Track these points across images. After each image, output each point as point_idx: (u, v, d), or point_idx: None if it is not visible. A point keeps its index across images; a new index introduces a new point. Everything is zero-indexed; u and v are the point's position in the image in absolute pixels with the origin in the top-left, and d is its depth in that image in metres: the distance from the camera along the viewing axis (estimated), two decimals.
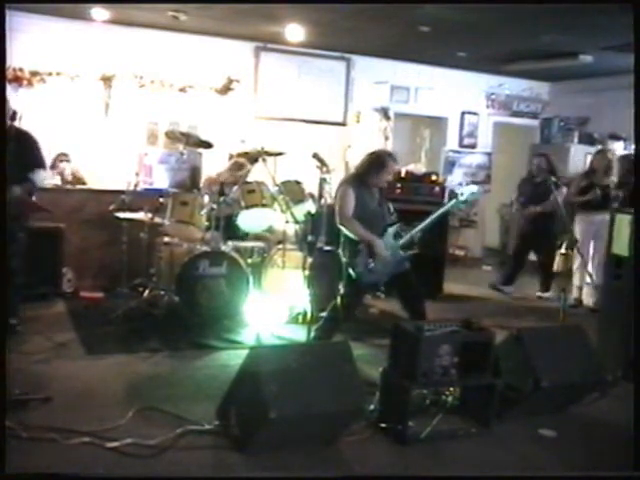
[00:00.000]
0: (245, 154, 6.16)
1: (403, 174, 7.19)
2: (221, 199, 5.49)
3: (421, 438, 3.39)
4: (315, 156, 5.37)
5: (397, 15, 6.43)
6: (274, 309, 5.41)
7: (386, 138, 9.00)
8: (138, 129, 7.72)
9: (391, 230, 4.50)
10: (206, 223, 5.38)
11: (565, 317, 5.33)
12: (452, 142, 9.75)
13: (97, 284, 6.15)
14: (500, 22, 6.43)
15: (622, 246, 4.71)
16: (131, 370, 4.27)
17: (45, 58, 7.24)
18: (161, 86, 7.76)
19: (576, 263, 6.86)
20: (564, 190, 6.73)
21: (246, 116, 8.15)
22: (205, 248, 5.32)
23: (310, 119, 8.58)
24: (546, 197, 6.75)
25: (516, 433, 3.62)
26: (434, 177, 7.31)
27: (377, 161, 4.54)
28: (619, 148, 8.41)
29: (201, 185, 6.60)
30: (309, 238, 5.36)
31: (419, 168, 7.60)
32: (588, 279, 6.61)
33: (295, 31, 7.22)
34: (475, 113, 9.78)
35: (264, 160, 5.56)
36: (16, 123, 4.84)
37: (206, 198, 5.51)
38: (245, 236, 5.85)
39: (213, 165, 6.87)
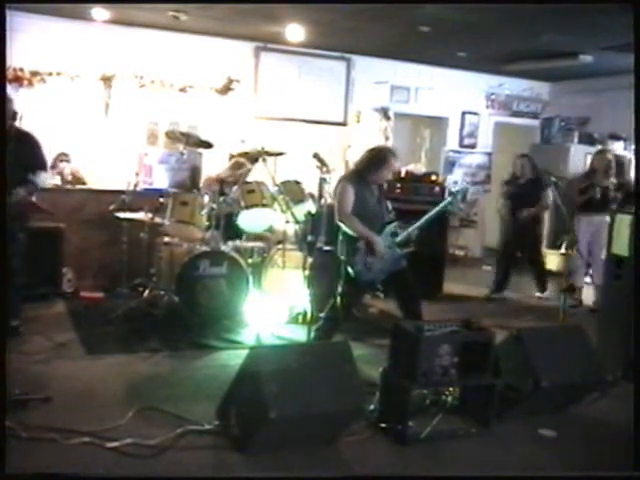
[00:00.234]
0: (245, 154, 6.16)
1: (403, 174, 7.19)
2: (221, 199, 5.49)
3: (421, 438, 3.39)
4: (315, 156, 5.36)
5: (397, 15, 6.43)
6: (274, 309, 5.42)
7: (386, 138, 9.00)
8: (138, 129, 7.72)
9: (389, 228, 4.50)
10: (206, 223, 5.38)
11: (565, 317, 5.33)
12: (452, 142, 9.75)
13: (97, 284, 6.16)
14: (500, 22, 6.43)
15: (622, 246, 4.71)
16: (131, 370, 4.27)
17: (45, 58, 7.24)
18: (161, 86, 7.76)
19: (575, 263, 6.88)
20: (550, 192, 6.63)
21: (246, 116, 8.15)
22: (205, 248, 5.32)
23: (310, 119, 8.58)
24: (533, 198, 6.75)
25: (516, 433, 3.62)
26: (434, 177, 7.31)
27: (377, 157, 4.53)
28: (619, 148, 8.41)
29: (201, 185, 6.60)
30: (309, 238, 5.36)
31: (419, 168, 7.60)
32: (588, 279, 6.61)
33: (295, 31, 7.22)
34: (475, 113, 9.78)
35: (264, 160, 5.57)
36: (16, 123, 4.84)
37: (206, 198, 5.50)
38: (242, 234, 5.84)
39: (213, 165, 6.87)
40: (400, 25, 6.85)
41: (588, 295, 6.80)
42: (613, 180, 6.73)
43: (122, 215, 5.80)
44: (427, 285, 6.21)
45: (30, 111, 6.23)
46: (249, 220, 5.55)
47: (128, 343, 4.78)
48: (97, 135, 7.44)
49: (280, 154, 6.20)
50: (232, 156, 6.49)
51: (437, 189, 7.14)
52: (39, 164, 4.67)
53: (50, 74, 7.26)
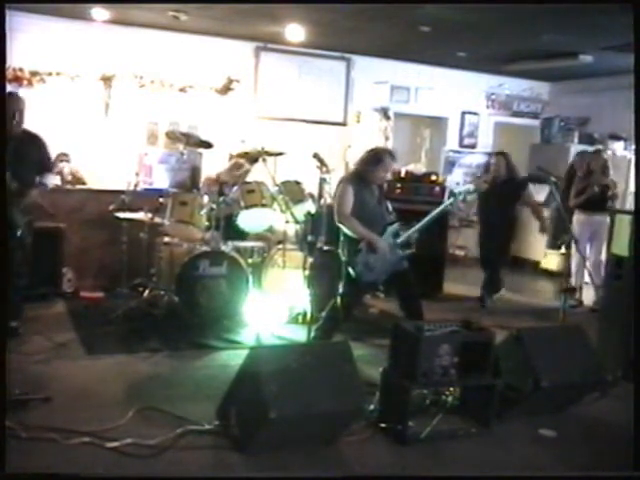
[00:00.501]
0: (245, 154, 6.16)
1: (403, 174, 7.19)
2: (221, 199, 5.49)
3: (421, 438, 3.39)
4: (315, 156, 5.37)
5: (397, 15, 6.43)
6: (274, 309, 5.41)
7: (386, 138, 9.01)
8: (138, 129, 7.72)
9: (391, 229, 4.51)
10: (206, 223, 5.38)
11: (565, 317, 5.33)
12: (452, 142, 9.75)
13: (97, 284, 6.15)
14: (500, 22, 6.43)
15: (622, 246, 4.71)
16: (131, 370, 4.26)
17: (45, 58, 7.24)
18: (161, 86, 7.76)
19: (575, 263, 6.89)
20: (530, 191, 6.56)
21: (246, 116, 8.15)
22: (205, 248, 5.32)
23: (310, 119, 8.58)
24: (510, 198, 6.37)
25: (516, 433, 3.62)
26: (434, 177, 7.31)
27: (374, 157, 4.53)
28: (619, 148, 8.42)
29: (200, 185, 6.60)
30: (309, 238, 5.36)
31: (419, 168, 7.60)
32: (587, 279, 6.61)
33: (295, 31, 7.22)
34: (475, 113, 9.78)
35: (264, 160, 5.57)
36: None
37: (206, 198, 5.50)
38: (245, 236, 5.85)
39: (213, 165, 6.87)
40: (400, 25, 6.85)
41: (588, 295, 6.80)
42: (612, 179, 6.74)
43: (122, 215, 5.79)
44: (427, 285, 6.21)
45: (30, 111, 6.20)
46: (249, 220, 5.55)
47: (128, 343, 4.78)
48: (97, 135, 7.44)
49: (280, 154, 6.20)
50: (232, 156, 6.49)
51: (437, 189, 7.14)
52: (48, 166, 4.69)
53: (50, 74, 7.27)
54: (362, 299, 5.51)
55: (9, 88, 6.61)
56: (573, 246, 6.23)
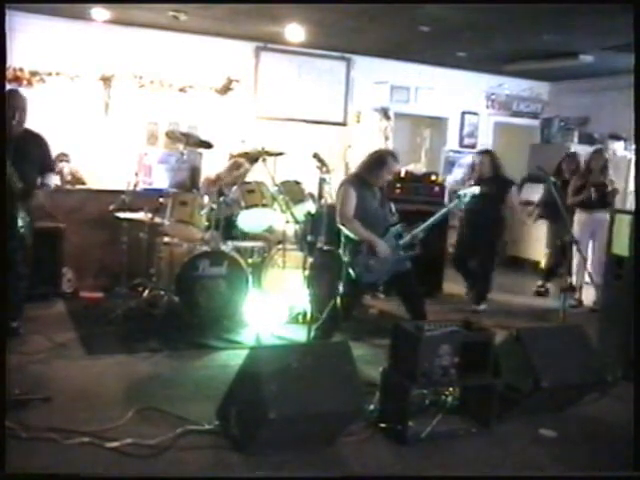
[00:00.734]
0: (245, 154, 6.16)
1: (403, 174, 7.18)
2: (221, 199, 5.49)
3: (421, 438, 3.39)
4: (315, 156, 5.37)
5: (397, 15, 6.44)
6: (274, 309, 5.41)
7: (386, 138, 9.01)
8: (138, 129, 7.73)
9: (393, 230, 4.51)
10: (206, 223, 5.38)
11: (565, 317, 5.33)
12: (452, 142, 9.76)
13: (97, 284, 6.15)
14: (500, 22, 6.44)
15: (622, 246, 4.71)
16: (131, 370, 4.26)
17: (45, 58, 7.25)
18: (161, 86, 7.76)
19: (575, 263, 6.88)
20: (514, 189, 6.49)
21: (246, 116, 8.15)
22: (205, 248, 5.32)
23: (310, 119, 8.58)
24: (495, 199, 6.14)
25: (516, 433, 3.61)
26: (434, 177, 7.31)
27: (378, 160, 4.53)
28: (619, 148, 8.42)
29: (200, 185, 6.60)
30: (309, 238, 5.36)
31: (419, 168, 7.61)
32: (587, 278, 6.61)
33: (295, 31, 7.22)
34: (475, 113, 9.78)
35: (264, 160, 5.57)
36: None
37: (206, 198, 5.50)
38: (245, 236, 5.85)
39: (213, 165, 6.87)
40: (400, 25, 6.85)
41: (588, 295, 6.80)
42: (612, 178, 6.73)
43: (122, 215, 5.79)
44: (427, 285, 6.20)
45: (30, 111, 6.21)
46: (249, 220, 5.55)
47: (128, 343, 4.78)
48: (97, 135, 7.44)
49: (280, 154, 6.19)
50: (232, 156, 6.49)
51: (437, 189, 7.14)
52: (51, 166, 4.68)
53: (50, 74, 7.27)
54: (362, 299, 5.51)
55: (9, 88, 6.61)
56: (573, 246, 6.22)
